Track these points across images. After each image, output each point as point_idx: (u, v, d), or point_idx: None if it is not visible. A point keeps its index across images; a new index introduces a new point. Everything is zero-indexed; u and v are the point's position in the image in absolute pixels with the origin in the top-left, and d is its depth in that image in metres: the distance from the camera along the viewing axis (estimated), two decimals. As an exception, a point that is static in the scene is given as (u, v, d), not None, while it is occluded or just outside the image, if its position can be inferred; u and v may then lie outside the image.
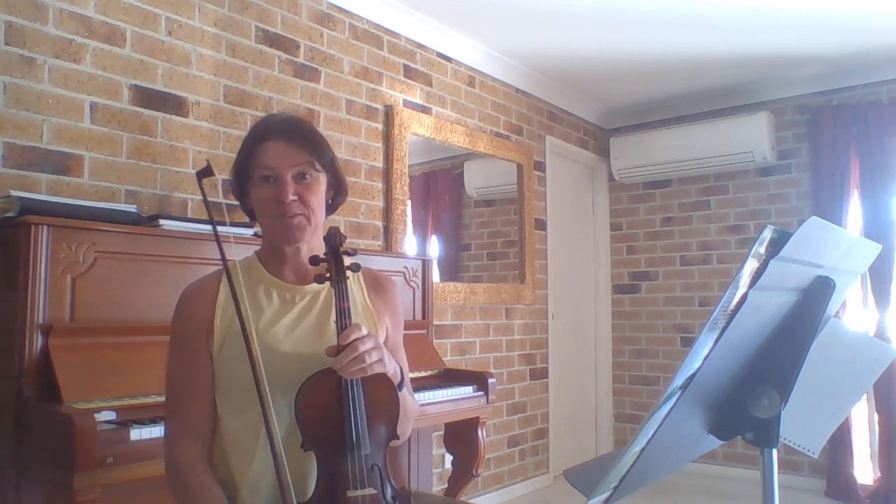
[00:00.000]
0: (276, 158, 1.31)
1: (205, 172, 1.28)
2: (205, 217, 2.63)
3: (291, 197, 1.30)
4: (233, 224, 2.43)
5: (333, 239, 1.31)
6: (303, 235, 1.34)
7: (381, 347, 1.27)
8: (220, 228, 1.28)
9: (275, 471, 1.29)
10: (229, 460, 1.31)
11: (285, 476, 1.16)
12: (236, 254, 1.38)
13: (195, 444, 1.31)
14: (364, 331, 1.25)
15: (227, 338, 1.31)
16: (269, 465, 1.29)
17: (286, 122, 1.38)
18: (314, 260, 1.33)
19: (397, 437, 1.33)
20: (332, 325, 1.35)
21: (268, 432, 1.17)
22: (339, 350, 1.22)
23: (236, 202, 1.43)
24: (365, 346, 1.22)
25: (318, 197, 1.35)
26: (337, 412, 1.24)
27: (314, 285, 1.38)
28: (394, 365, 1.33)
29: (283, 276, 1.39)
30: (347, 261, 1.31)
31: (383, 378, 1.31)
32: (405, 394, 1.39)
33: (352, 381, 1.24)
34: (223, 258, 1.26)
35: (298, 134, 1.35)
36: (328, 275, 1.30)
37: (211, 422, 1.33)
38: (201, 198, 1.30)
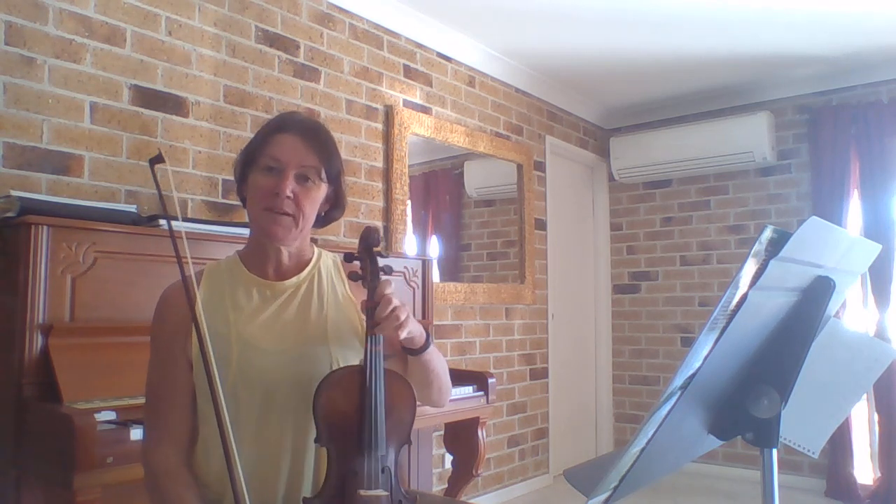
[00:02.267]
0: (285, 151, 1.30)
1: (157, 159, 1.27)
2: (204, 217, 2.63)
3: (287, 193, 1.29)
4: (235, 224, 2.43)
5: (370, 238, 1.31)
6: (286, 235, 1.32)
7: (407, 308, 1.28)
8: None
9: (263, 472, 1.30)
10: (213, 463, 1.30)
11: (239, 482, 1.13)
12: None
13: (173, 449, 1.30)
14: (393, 287, 1.27)
15: (208, 340, 1.30)
16: (255, 468, 1.29)
17: (307, 121, 1.38)
18: (349, 257, 1.33)
19: (409, 442, 1.33)
20: (314, 316, 1.35)
21: (221, 436, 1.14)
22: (374, 305, 1.24)
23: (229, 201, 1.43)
24: (396, 302, 1.25)
25: (313, 204, 1.34)
26: (357, 411, 1.24)
27: (293, 280, 1.38)
28: (416, 325, 1.33)
29: (265, 274, 1.38)
30: (381, 262, 1.31)
31: (404, 382, 1.32)
32: (433, 353, 1.39)
33: (375, 381, 1.24)
34: (177, 254, 1.22)
35: (315, 136, 1.34)
36: (361, 273, 1.30)
37: (189, 426, 1.32)
38: (156, 188, 1.29)
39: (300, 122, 1.36)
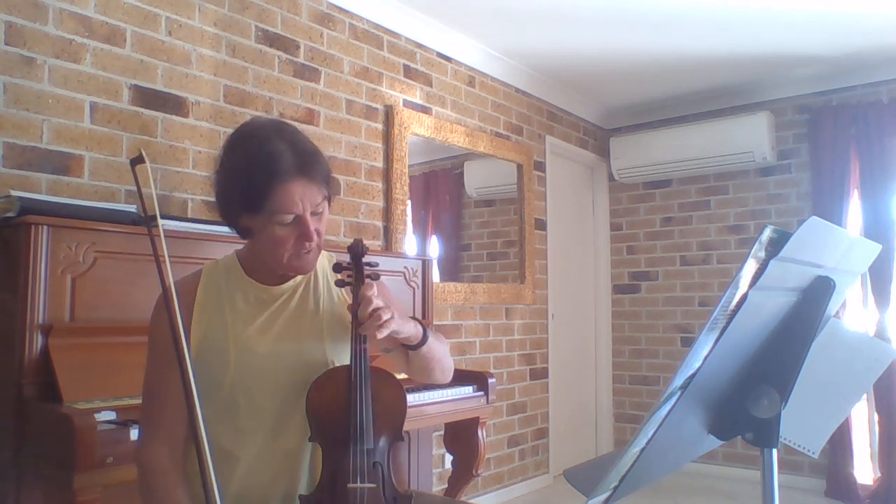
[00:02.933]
0: (298, 202, 1.25)
1: (137, 160, 1.25)
2: (204, 217, 2.63)
3: (313, 237, 1.29)
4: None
5: (357, 248, 1.38)
6: (315, 264, 1.36)
7: (392, 309, 1.30)
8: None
9: (262, 472, 1.30)
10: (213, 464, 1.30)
11: (211, 481, 1.12)
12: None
13: (166, 447, 1.30)
14: (376, 290, 1.31)
15: (205, 342, 1.31)
16: (254, 468, 1.30)
17: (297, 151, 1.27)
18: (337, 267, 1.37)
19: (402, 438, 1.36)
20: (309, 319, 1.38)
21: (195, 437, 1.14)
22: (357, 306, 1.29)
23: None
24: (378, 303, 1.28)
25: (326, 223, 1.36)
26: (344, 406, 1.29)
27: (290, 284, 1.40)
28: (410, 325, 1.35)
29: (264, 280, 1.39)
30: (368, 269, 1.37)
31: (392, 380, 1.36)
32: (433, 344, 1.42)
33: (361, 377, 1.29)
34: (155, 254, 1.21)
35: (314, 166, 1.28)
36: (348, 279, 1.36)
37: (184, 426, 1.32)
38: (136, 189, 1.28)
39: (295, 158, 1.26)
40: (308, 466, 1.34)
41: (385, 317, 1.26)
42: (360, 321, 1.28)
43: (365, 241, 1.42)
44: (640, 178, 5.16)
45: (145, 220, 1.27)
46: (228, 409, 1.30)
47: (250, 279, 1.38)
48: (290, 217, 1.26)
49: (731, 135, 4.62)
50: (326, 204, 1.33)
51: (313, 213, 1.30)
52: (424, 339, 1.39)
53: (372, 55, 3.47)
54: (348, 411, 1.28)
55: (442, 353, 1.47)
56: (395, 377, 1.38)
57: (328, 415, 1.29)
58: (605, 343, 5.33)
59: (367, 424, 1.28)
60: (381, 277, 1.41)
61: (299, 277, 1.41)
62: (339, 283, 1.37)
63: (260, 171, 1.24)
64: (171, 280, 1.22)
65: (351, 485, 1.24)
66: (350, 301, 1.36)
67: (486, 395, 2.95)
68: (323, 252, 1.47)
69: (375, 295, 1.29)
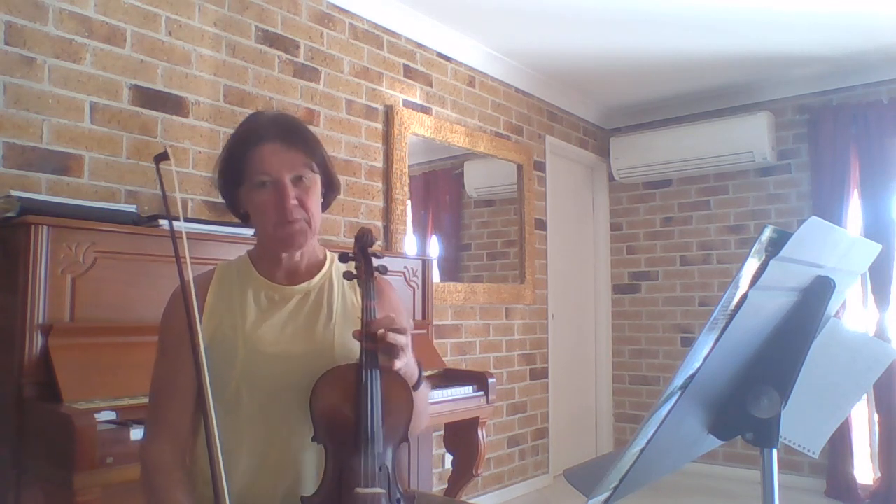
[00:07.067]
0: (273, 163, 1.27)
1: (162, 157, 1.25)
2: (204, 217, 2.63)
3: (292, 201, 1.28)
4: (235, 224, 2.43)
5: (364, 239, 1.32)
6: (304, 240, 1.32)
7: (407, 335, 1.26)
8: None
9: (264, 473, 1.30)
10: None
11: (221, 482, 1.11)
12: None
13: (169, 445, 1.29)
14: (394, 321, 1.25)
15: (214, 340, 1.30)
16: (256, 469, 1.29)
17: (278, 121, 1.33)
18: (343, 257, 1.34)
19: (407, 440, 1.32)
20: (321, 325, 1.35)
21: (207, 436, 1.14)
22: (364, 335, 1.23)
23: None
24: (399, 340, 1.23)
25: (317, 199, 1.33)
26: (353, 407, 1.24)
27: (303, 285, 1.38)
28: (413, 364, 1.33)
29: (275, 277, 1.37)
30: (376, 262, 1.32)
31: (401, 379, 1.31)
32: (422, 392, 1.38)
33: (371, 377, 1.24)
34: (176, 254, 1.21)
35: (293, 134, 1.32)
36: (356, 273, 1.31)
37: (189, 424, 1.32)
38: (159, 186, 1.28)
39: (273, 125, 1.31)
40: (313, 467, 1.33)
41: (401, 344, 1.23)
42: (378, 342, 1.23)
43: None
44: (640, 178, 5.16)
45: (168, 218, 1.27)
46: (232, 407, 1.29)
47: (262, 277, 1.37)
48: (266, 178, 1.28)
49: (730, 135, 4.62)
50: (313, 175, 1.32)
51: (297, 179, 1.29)
52: (417, 385, 1.35)
53: (372, 55, 3.47)
54: (358, 412, 1.23)
55: (424, 406, 1.41)
56: (401, 376, 1.32)
57: (336, 416, 1.25)
58: (605, 343, 5.33)
59: (378, 427, 1.24)
60: (387, 279, 1.39)
61: (314, 280, 1.38)
62: (348, 276, 1.33)
63: (239, 141, 1.32)
64: (190, 275, 1.22)
65: (360, 490, 1.21)
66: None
67: (486, 395, 2.96)
68: (337, 256, 1.44)
69: (394, 324, 1.24)
